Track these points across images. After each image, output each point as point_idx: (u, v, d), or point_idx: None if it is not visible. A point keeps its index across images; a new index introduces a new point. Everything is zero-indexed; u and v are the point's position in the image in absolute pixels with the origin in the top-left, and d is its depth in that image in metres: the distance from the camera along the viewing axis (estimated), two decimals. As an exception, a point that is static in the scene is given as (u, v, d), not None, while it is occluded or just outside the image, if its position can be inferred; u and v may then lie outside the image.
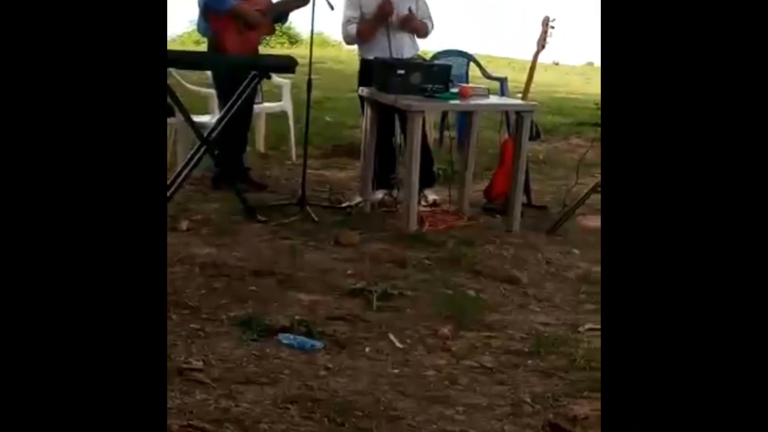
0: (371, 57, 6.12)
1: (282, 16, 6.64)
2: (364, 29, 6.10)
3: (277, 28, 7.10)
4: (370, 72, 6.02)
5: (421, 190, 5.89)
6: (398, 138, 6.24)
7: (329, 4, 6.00)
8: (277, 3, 6.46)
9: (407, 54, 6.20)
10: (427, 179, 6.19)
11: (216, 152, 5.96)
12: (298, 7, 6.39)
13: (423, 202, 6.09)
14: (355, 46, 6.45)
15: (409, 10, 6.16)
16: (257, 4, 6.30)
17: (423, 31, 6.33)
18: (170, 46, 14.43)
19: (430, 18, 6.36)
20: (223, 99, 6.18)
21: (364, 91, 6.00)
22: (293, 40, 18.83)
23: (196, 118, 6.12)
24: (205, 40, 6.50)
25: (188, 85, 7.17)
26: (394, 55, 6.00)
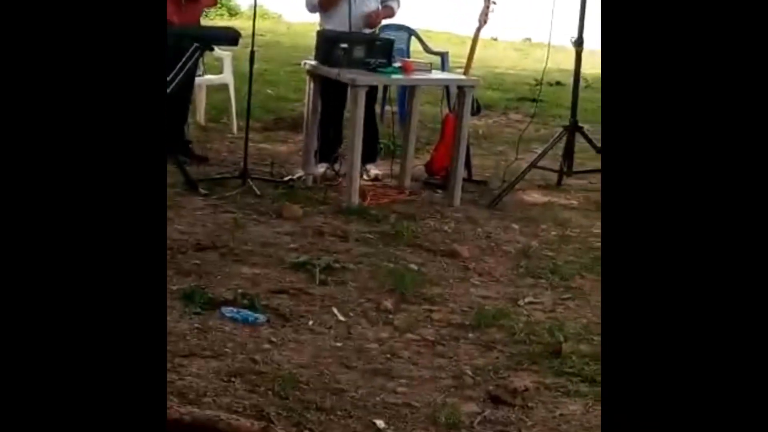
0: (327, 27, 6.10)
1: None
2: (326, 1, 6.07)
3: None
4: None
5: (363, 165, 5.91)
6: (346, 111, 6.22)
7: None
8: None
9: (367, 31, 6.18)
10: (371, 154, 6.21)
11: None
12: None
13: (365, 177, 6.11)
14: (313, 17, 6.42)
15: None
16: None
17: (390, 17, 6.33)
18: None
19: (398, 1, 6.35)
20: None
21: (306, 64, 5.99)
22: (233, 12, 18.65)
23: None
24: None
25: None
26: (353, 29, 5.96)
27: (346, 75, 5.51)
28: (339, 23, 6.03)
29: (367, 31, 6.18)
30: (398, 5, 6.39)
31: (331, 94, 6.07)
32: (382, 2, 6.29)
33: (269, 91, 9.42)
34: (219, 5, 17.91)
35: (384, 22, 7.96)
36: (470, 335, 3.74)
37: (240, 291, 3.98)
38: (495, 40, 18.63)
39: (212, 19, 16.47)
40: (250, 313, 3.76)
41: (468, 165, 6.31)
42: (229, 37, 5.86)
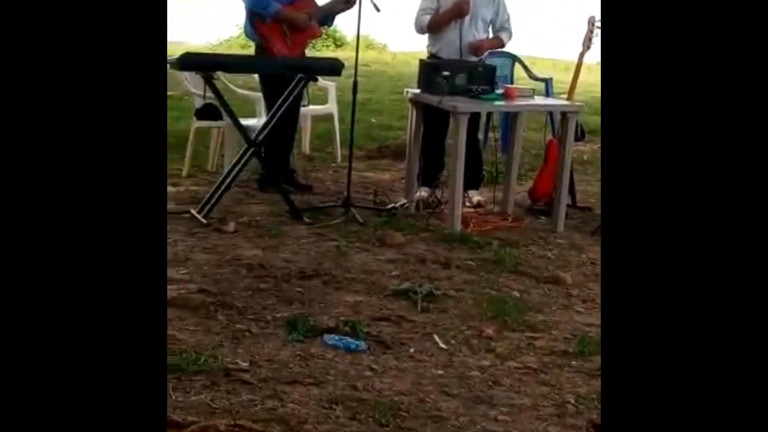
0: (436, 50, 6.16)
1: (328, 18, 6.67)
2: (436, 23, 6.10)
3: (323, 31, 7.13)
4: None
5: (465, 191, 5.90)
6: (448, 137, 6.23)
7: (375, 6, 6.03)
8: (323, 6, 6.51)
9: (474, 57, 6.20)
10: (474, 181, 6.20)
11: (262, 155, 6.01)
12: (344, 9, 6.43)
13: (467, 203, 6.10)
14: (419, 45, 6.45)
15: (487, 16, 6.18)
16: (303, 8, 6.35)
17: (499, 47, 6.33)
18: (217, 50, 14.58)
19: (508, 25, 6.33)
20: (269, 102, 6.23)
21: (409, 92, 6.02)
22: (339, 42, 18.86)
23: (244, 121, 6.18)
24: (252, 43, 6.57)
25: (236, 89, 7.24)
26: (464, 56, 5.98)
27: (448, 102, 5.52)
28: (448, 47, 6.06)
29: (473, 58, 6.18)
30: (509, 37, 6.36)
31: (434, 122, 6.08)
32: (494, 30, 6.28)
33: (373, 120, 9.49)
34: (325, 36, 18.18)
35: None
36: (573, 363, 3.69)
37: (342, 318, 4.00)
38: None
39: (319, 50, 16.70)
40: (351, 340, 3.78)
41: (572, 191, 6.25)
42: (333, 68, 5.94)
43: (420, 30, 6.28)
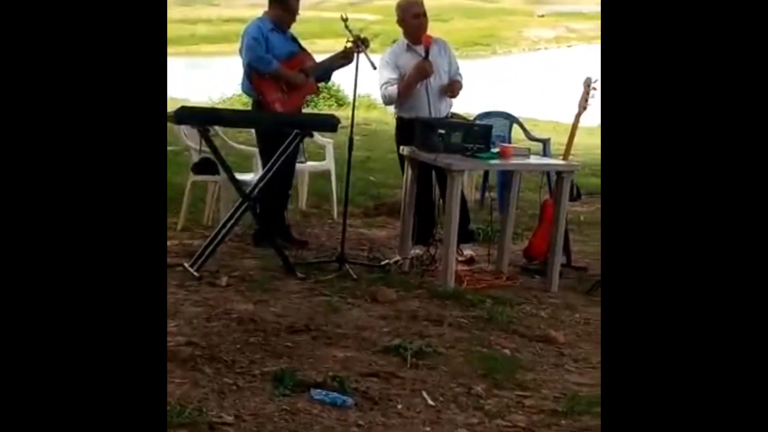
0: (407, 115, 6.20)
1: (326, 73, 6.73)
2: (404, 90, 6.16)
3: (321, 87, 7.19)
4: (407, 129, 6.09)
5: (458, 246, 5.89)
6: (435, 196, 6.26)
7: (371, 63, 6.09)
8: (322, 61, 6.58)
9: (444, 112, 6.30)
10: (464, 235, 6.19)
11: (257, 210, 6.02)
12: (342, 65, 6.48)
13: (459, 258, 6.08)
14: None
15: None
16: (301, 64, 6.41)
17: (460, 89, 6.41)
18: (220, 107, 14.66)
19: (459, 74, 6.45)
20: (265, 157, 6.26)
21: (404, 150, 6.05)
22: (341, 102, 19.00)
23: (240, 176, 6.20)
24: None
25: (233, 144, 7.28)
26: (433, 113, 6.05)
27: (444, 160, 5.54)
28: (419, 109, 6.12)
29: (445, 104, 6.33)
30: (461, 79, 6.45)
31: (427, 179, 6.11)
32: (453, 74, 6.39)
33: (371, 178, 9.52)
34: (327, 95, 18.31)
35: (485, 108, 8.05)
36: (563, 422, 3.65)
37: (330, 374, 3.96)
38: (602, 127, 18.51)
39: (321, 108, 16.80)
40: (338, 395, 3.74)
41: (567, 251, 6.23)
42: (329, 124, 5.97)
43: (390, 101, 6.36)
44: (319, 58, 6.63)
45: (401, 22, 6.30)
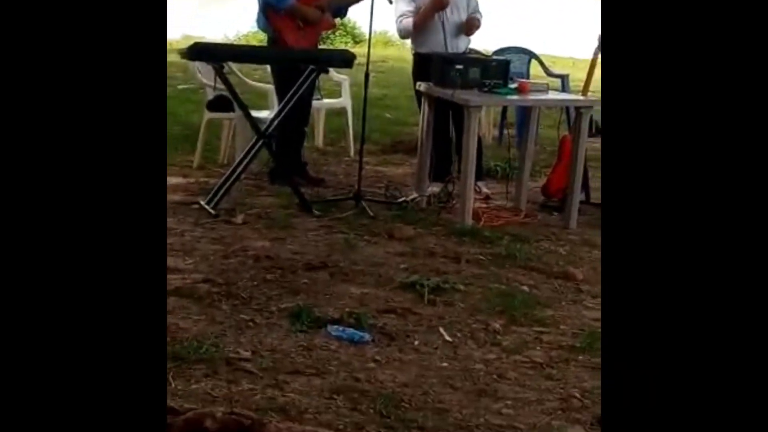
0: (425, 51, 6.12)
1: (341, 10, 6.65)
2: (419, 21, 6.08)
3: (337, 23, 7.11)
4: (424, 66, 6.02)
5: (474, 184, 5.85)
6: (450, 133, 6.21)
7: (388, -1, 6.01)
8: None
9: (462, 48, 6.21)
10: (478, 172, 6.15)
11: (273, 147, 5.98)
12: (357, 1, 6.40)
13: (476, 195, 6.04)
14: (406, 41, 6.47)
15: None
16: (317, 0, 6.32)
17: (477, 28, 6.32)
18: (235, 44, 14.57)
19: (479, 11, 6.35)
20: (281, 94, 6.20)
21: (421, 86, 5.98)
22: (357, 39, 18.83)
23: (255, 113, 6.15)
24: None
25: (249, 81, 7.22)
26: (449, 50, 5.97)
27: (461, 96, 5.47)
28: (434, 44, 6.05)
29: (463, 41, 6.21)
30: (481, 17, 6.36)
31: (444, 115, 6.05)
32: (471, 12, 6.30)
33: (388, 116, 9.45)
34: (344, 32, 18.16)
35: (503, 44, 7.95)
36: (580, 358, 3.63)
37: (347, 310, 3.96)
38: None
39: (337, 45, 16.67)
40: (355, 332, 3.74)
41: (586, 187, 6.17)
42: (344, 59, 5.90)
43: (406, 34, 6.33)
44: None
45: None
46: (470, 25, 6.21)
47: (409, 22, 6.10)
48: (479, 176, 6.27)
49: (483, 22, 6.37)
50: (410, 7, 6.11)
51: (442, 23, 5.96)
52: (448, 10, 6.02)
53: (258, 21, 6.47)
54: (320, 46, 6.92)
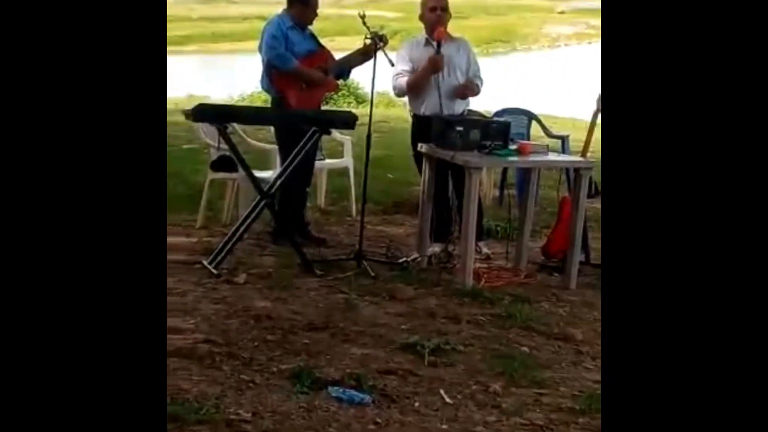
0: (422, 112, 6.19)
1: (344, 71, 6.74)
2: (414, 82, 6.15)
3: (340, 84, 7.20)
4: (422, 127, 6.08)
5: (475, 244, 5.89)
6: (450, 193, 6.25)
7: (389, 61, 6.10)
8: (340, 59, 6.58)
9: (458, 110, 6.24)
10: (479, 232, 6.18)
11: (275, 207, 6.02)
12: (360, 63, 6.49)
13: (476, 255, 6.07)
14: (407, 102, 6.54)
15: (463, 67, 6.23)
16: (321, 61, 6.42)
17: (474, 94, 6.35)
18: (239, 104, 14.69)
19: (479, 76, 6.37)
20: (284, 154, 6.27)
21: (423, 147, 6.04)
22: (360, 99, 18.99)
23: (258, 174, 6.21)
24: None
25: (252, 141, 7.29)
26: (445, 111, 6.01)
27: (461, 157, 5.53)
28: (430, 105, 6.10)
29: (460, 103, 6.27)
30: (481, 84, 6.37)
31: (444, 177, 6.10)
32: (472, 75, 6.32)
33: (390, 176, 9.51)
34: (347, 93, 18.31)
35: (504, 105, 8.02)
36: (580, 420, 3.64)
37: (348, 371, 3.97)
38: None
39: (340, 105, 16.80)
40: (356, 393, 3.74)
41: (585, 248, 6.20)
42: (346, 121, 5.97)
43: (399, 92, 6.41)
44: (338, 55, 6.63)
45: (422, 17, 6.30)
46: (466, 90, 6.25)
47: (403, 81, 6.18)
48: (480, 237, 6.30)
49: (485, 82, 6.41)
50: (406, 67, 6.18)
51: (438, 85, 6.01)
52: (444, 71, 6.07)
53: (262, 82, 6.57)
54: (323, 107, 7.01)
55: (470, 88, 6.27)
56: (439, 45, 6.02)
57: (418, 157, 6.18)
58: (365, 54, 6.33)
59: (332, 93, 8.56)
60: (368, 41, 6.24)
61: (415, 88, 6.20)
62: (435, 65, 6.03)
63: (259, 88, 8.04)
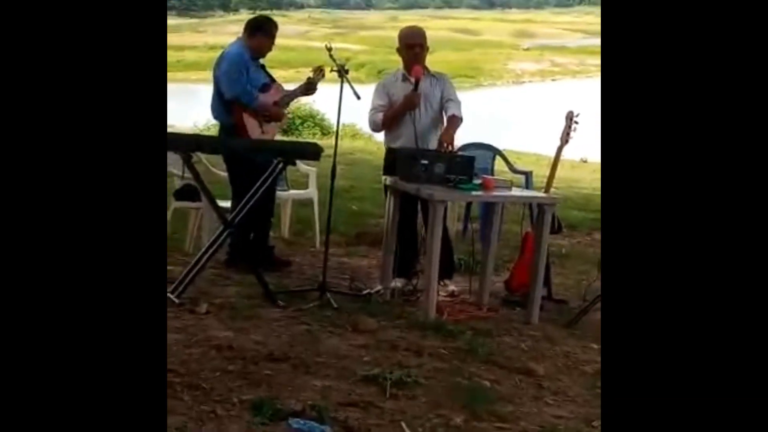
0: (397, 146, 6.19)
1: (289, 102, 6.96)
2: (390, 119, 6.18)
3: (307, 114, 7.30)
4: (395, 161, 6.08)
5: (440, 280, 5.90)
6: (419, 227, 6.26)
7: (355, 93, 6.13)
8: (288, 93, 6.68)
9: (433, 144, 6.23)
10: (447, 269, 6.20)
11: (237, 237, 6.02)
12: (303, 95, 6.76)
13: (442, 293, 6.08)
14: (382, 135, 6.54)
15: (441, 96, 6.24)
16: (274, 95, 6.49)
17: (459, 124, 6.29)
18: (204, 133, 14.67)
19: (454, 97, 6.28)
20: (235, 184, 6.31)
21: (387, 179, 6.06)
22: (325, 131, 19.05)
23: (221, 203, 6.20)
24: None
25: (215, 170, 7.28)
26: (421, 146, 6.03)
27: (425, 191, 5.55)
28: (405, 140, 6.12)
29: (435, 136, 6.27)
30: (458, 107, 6.25)
31: (410, 211, 6.12)
32: (444, 105, 6.27)
33: (354, 207, 9.53)
34: (312, 124, 18.36)
35: (468, 140, 8.05)
36: (540, 455, 3.64)
37: (309, 403, 3.95)
38: (585, 161, 18.61)
39: (305, 137, 16.83)
40: (317, 425, 3.72)
41: (548, 283, 6.24)
42: (311, 152, 5.99)
43: (375, 128, 6.40)
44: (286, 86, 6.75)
45: (399, 51, 6.33)
46: (448, 141, 6.10)
47: (379, 116, 6.19)
48: (448, 274, 6.31)
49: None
50: (383, 102, 6.20)
51: (413, 120, 6.02)
52: (421, 107, 6.09)
53: (213, 109, 6.58)
54: (288, 137, 7.04)
55: (451, 133, 6.16)
56: (417, 83, 6.05)
57: (387, 189, 6.19)
58: (308, 87, 6.57)
59: (298, 123, 8.63)
60: (311, 75, 6.46)
61: (390, 124, 6.22)
62: (411, 103, 6.04)
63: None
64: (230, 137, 6.43)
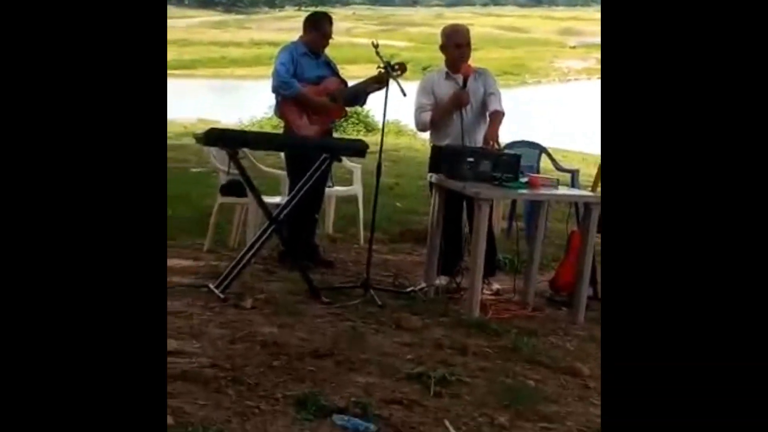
0: (443, 143, 6.17)
1: (359, 98, 6.71)
2: (437, 118, 6.15)
3: (352, 110, 7.23)
4: (441, 158, 6.06)
5: (485, 278, 5.87)
6: (464, 225, 6.23)
7: (401, 90, 6.09)
8: (354, 85, 6.59)
9: (479, 141, 6.19)
10: (491, 268, 6.17)
11: (284, 233, 6.02)
12: (374, 90, 6.47)
13: (486, 291, 6.05)
14: (427, 133, 6.52)
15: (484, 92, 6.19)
16: (331, 87, 6.44)
17: (501, 120, 6.21)
18: (249, 129, 14.74)
19: (495, 90, 6.24)
20: (293, 181, 6.28)
21: (433, 177, 6.04)
22: (370, 127, 19.05)
23: (268, 199, 6.22)
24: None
25: (261, 167, 7.31)
26: (467, 143, 6.01)
27: (471, 188, 5.53)
28: (452, 138, 6.10)
29: (482, 132, 6.22)
30: (499, 100, 6.20)
31: (456, 209, 6.09)
32: (486, 95, 6.21)
33: (398, 204, 9.52)
34: (357, 121, 18.36)
35: (514, 138, 8.02)
36: (586, 456, 3.61)
37: (353, 399, 3.95)
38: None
39: (349, 133, 16.85)
40: (360, 422, 3.72)
41: (594, 283, 6.19)
42: (357, 149, 5.99)
43: (423, 127, 6.36)
44: (351, 83, 6.66)
45: (443, 48, 6.29)
46: (492, 138, 6.06)
47: (427, 116, 6.16)
48: (492, 272, 6.28)
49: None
50: (429, 101, 6.18)
51: (461, 117, 6.01)
52: (468, 105, 6.06)
53: (275, 109, 6.61)
54: (334, 134, 7.03)
55: (495, 129, 6.11)
56: (465, 81, 6.02)
57: (432, 187, 6.17)
58: (379, 81, 6.32)
59: (339, 120, 8.56)
60: (383, 69, 6.25)
61: (438, 123, 6.19)
62: (459, 101, 6.02)
63: (269, 113, 8.10)
64: (284, 131, 6.45)
